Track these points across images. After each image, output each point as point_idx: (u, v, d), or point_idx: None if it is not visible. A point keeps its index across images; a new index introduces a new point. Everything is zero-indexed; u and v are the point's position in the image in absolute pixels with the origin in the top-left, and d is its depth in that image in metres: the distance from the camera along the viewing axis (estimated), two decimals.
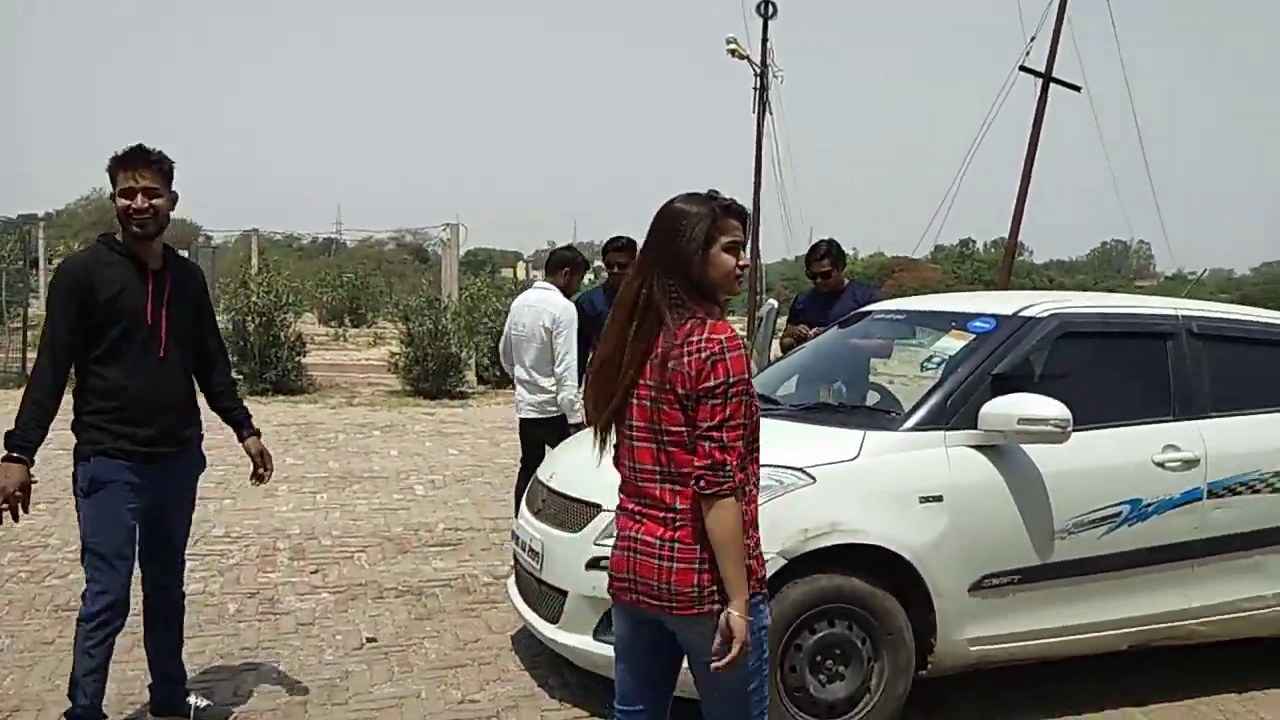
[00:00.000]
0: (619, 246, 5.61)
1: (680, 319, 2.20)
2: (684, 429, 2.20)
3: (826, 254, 5.61)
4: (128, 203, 3.11)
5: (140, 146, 3.17)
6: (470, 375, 13.54)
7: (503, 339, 5.67)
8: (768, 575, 3.27)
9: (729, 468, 2.13)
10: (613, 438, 2.36)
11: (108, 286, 3.14)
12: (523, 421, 5.41)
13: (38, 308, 18.23)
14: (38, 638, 4.24)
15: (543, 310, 5.27)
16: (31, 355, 12.82)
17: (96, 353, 3.18)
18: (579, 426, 5.53)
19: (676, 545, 2.21)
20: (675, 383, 2.18)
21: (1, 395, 11.50)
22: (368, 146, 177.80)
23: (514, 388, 5.52)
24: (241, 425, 3.64)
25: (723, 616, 2.15)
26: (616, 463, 2.38)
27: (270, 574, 5.24)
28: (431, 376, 12.52)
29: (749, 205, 22.28)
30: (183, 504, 3.51)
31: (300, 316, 14.70)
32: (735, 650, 2.13)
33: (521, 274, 17.53)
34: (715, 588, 2.18)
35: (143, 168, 3.13)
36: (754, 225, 22.15)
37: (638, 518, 2.30)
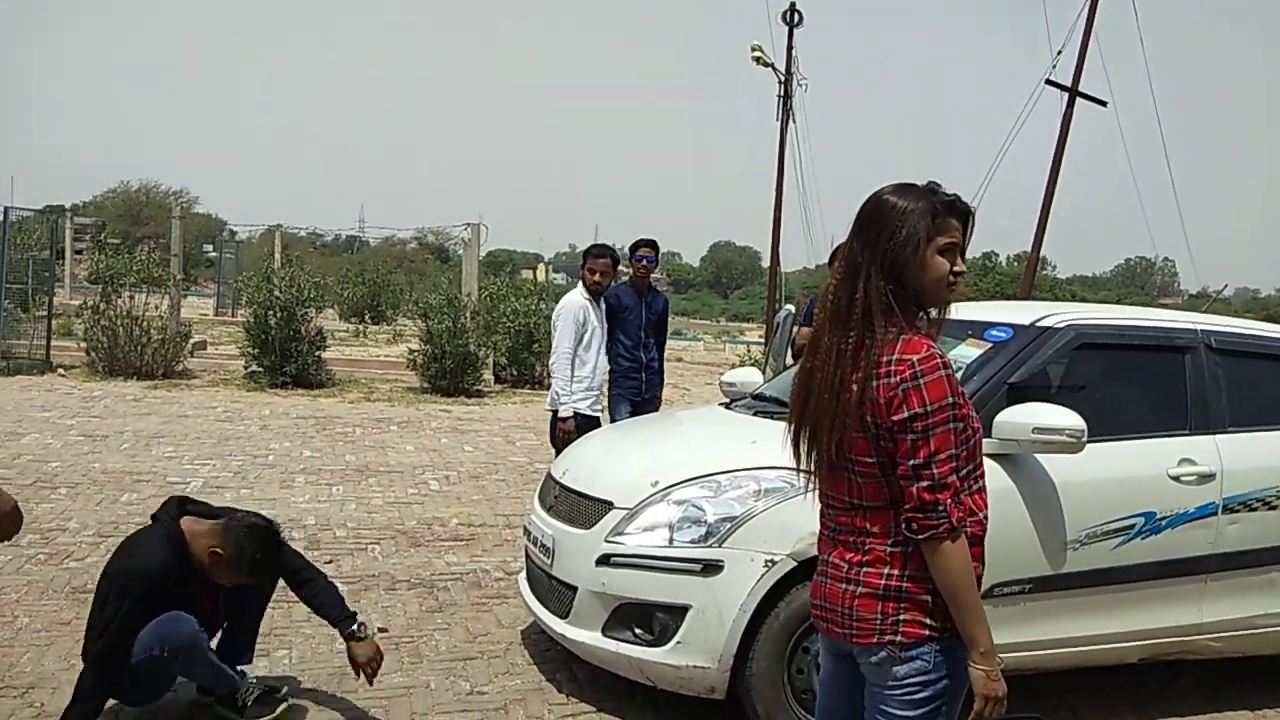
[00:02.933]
0: (647, 244, 6.18)
1: (887, 331, 1.93)
2: (873, 461, 1.94)
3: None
4: None
5: None
6: (487, 374, 13.59)
7: None
8: (779, 577, 3.32)
9: (943, 507, 1.86)
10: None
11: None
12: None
13: (62, 297, 18.46)
14: (55, 618, 4.29)
15: None
16: (56, 343, 12.98)
17: None
18: (592, 420, 5.64)
19: (863, 569, 1.97)
20: (863, 410, 1.91)
21: (25, 382, 11.64)
22: (391, 146, 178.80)
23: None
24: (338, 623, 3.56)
25: (970, 670, 1.91)
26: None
27: None
28: (449, 374, 12.58)
29: (772, 213, 22.31)
30: None
31: (321, 312, 14.78)
32: (981, 708, 1.90)
33: (542, 276, 17.61)
34: (900, 619, 1.93)
35: None
36: (775, 232, 22.14)
37: (832, 541, 2.08)
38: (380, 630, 4.38)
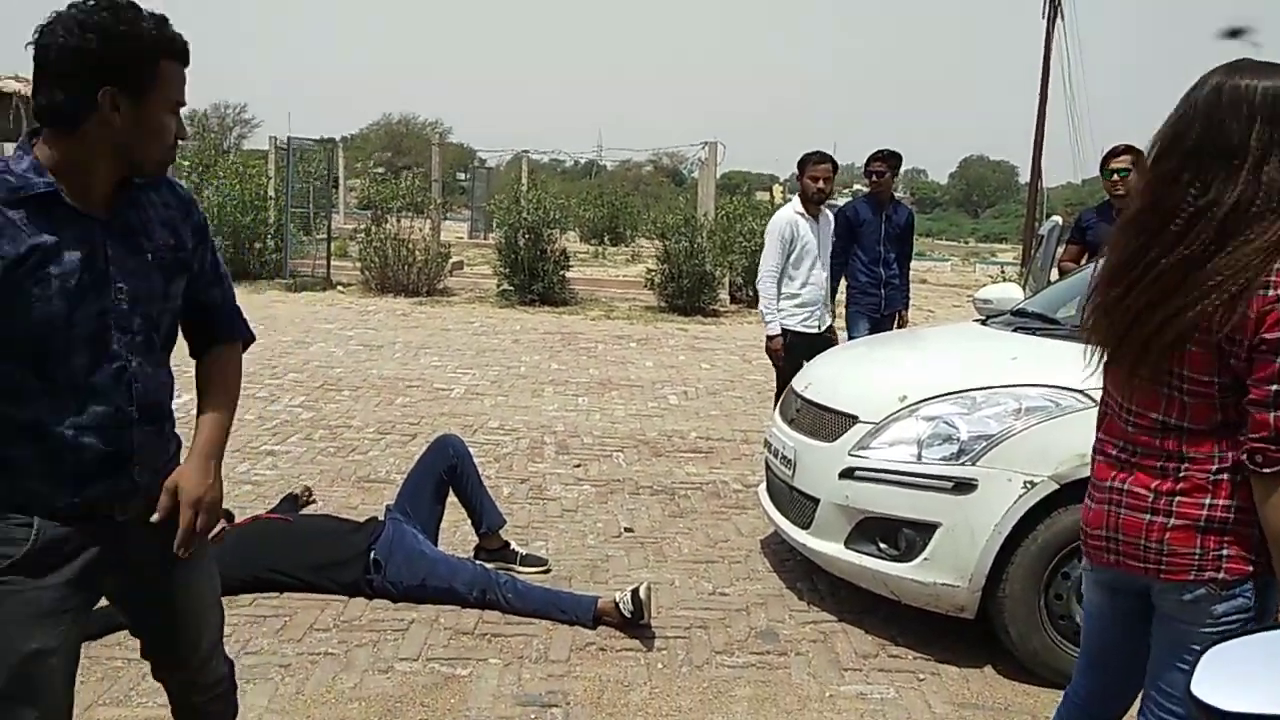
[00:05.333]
0: (880, 157, 5.96)
1: (1269, 233, 1.64)
2: (1213, 380, 1.69)
3: (1127, 150, 5.09)
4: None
5: None
6: (723, 294, 13.68)
7: None
8: (1039, 499, 3.16)
9: None
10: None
11: None
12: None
13: (338, 221, 20.25)
14: (344, 503, 4.81)
15: None
16: (335, 263, 14.30)
17: None
18: (814, 338, 5.44)
19: (1177, 499, 1.75)
20: (1221, 321, 1.65)
21: (310, 297, 12.95)
22: (628, 71, 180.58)
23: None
24: None
25: None
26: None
27: (538, 464, 5.64)
28: (686, 294, 12.77)
29: (1034, 122, 20.71)
30: None
31: (564, 234, 15.37)
32: None
33: (778, 197, 17.25)
34: (1224, 554, 1.72)
35: None
36: (1038, 142, 20.57)
37: (1124, 465, 1.83)
38: (626, 530, 4.60)
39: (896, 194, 6.27)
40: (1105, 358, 1.87)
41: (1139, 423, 1.81)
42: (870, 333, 5.91)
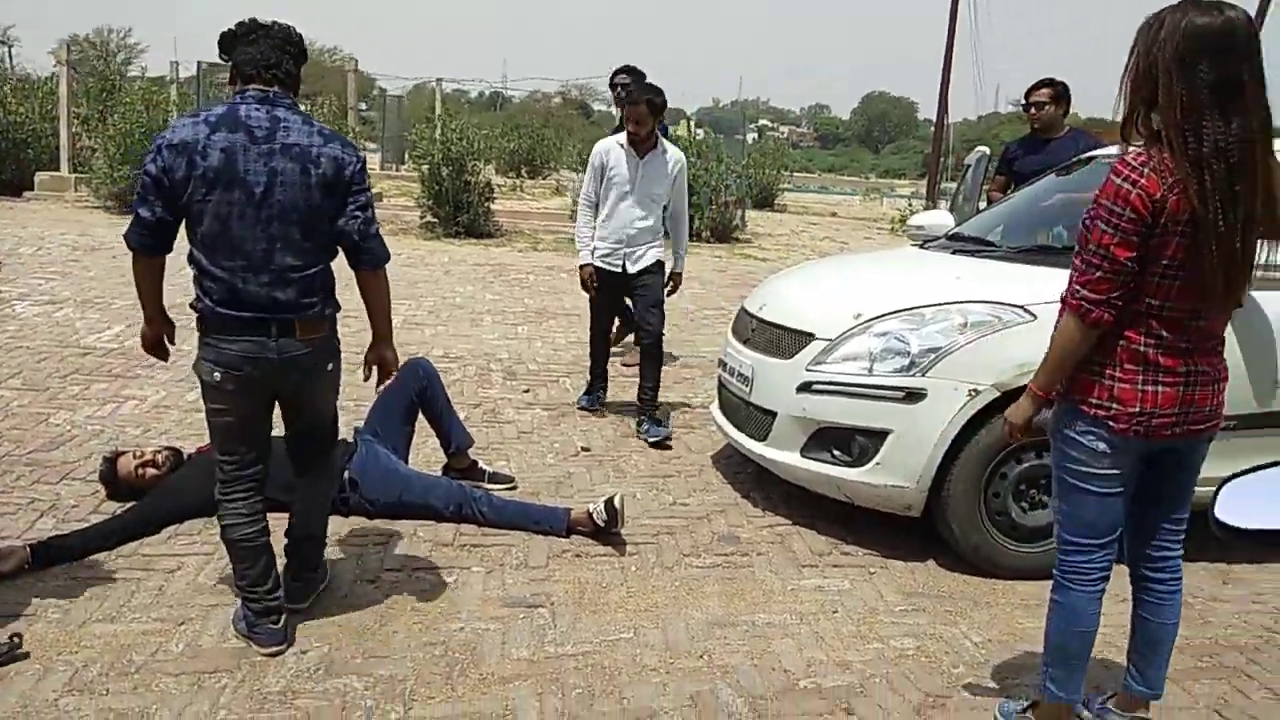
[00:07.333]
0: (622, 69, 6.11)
1: None
2: None
3: (1049, 84, 5.39)
4: None
5: None
6: None
7: None
8: (982, 406, 3.44)
9: None
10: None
11: None
12: None
13: None
14: None
15: None
16: None
17: None
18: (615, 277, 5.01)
19: (1221, 368, 2.32)
20: None
21: None
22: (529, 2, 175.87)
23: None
24: None
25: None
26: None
27: (489, 390, 5.76)
28: None
29: (941, 58, 21.11)
30: None
31: (488, 165, 15.19)
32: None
33: (684, 131, 17.26)
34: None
35: None
36: (945, 75, 21.04)
37: (1195, 351, 2.25)
38: (584, 449, 4.78)
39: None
40: None
41: (1209, 315, 2.27)
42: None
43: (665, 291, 5.15)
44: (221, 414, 2.81)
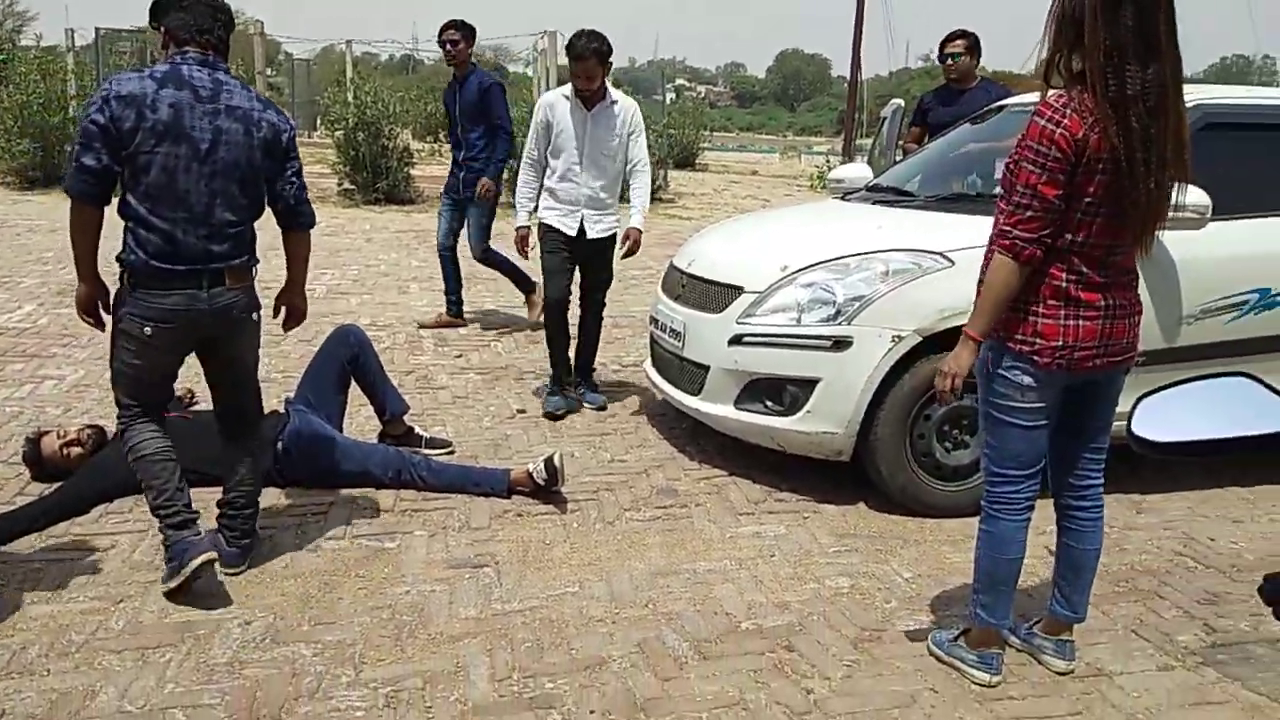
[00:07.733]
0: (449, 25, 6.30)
1: None
2: None
3: (963, 35, 5.55)
4: None
5: None
6: None
7: None
8: (905, 351, 3.56)
9: None
10: None
11: None
12: None
13: None
14: None
15: None
16: None
17: None
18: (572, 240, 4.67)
19: (1137, 300, 2.44)
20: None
21: None
22: None
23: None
24: None
25: None
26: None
27: (420, 357, 5.73)
28: None
29: (853, 14, 21.34)
30: None
31: (406, 129, 14.88)
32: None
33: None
34: None
35: None
36: (857, 30, 21.23)
37: (1113, 285, 2.37)
38: (519, 411, 4.81)
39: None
40: None
41: (1123, 250, 2.39)
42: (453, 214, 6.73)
43: (622, 253, 4.79)
44: (137, 367, 2.90)
